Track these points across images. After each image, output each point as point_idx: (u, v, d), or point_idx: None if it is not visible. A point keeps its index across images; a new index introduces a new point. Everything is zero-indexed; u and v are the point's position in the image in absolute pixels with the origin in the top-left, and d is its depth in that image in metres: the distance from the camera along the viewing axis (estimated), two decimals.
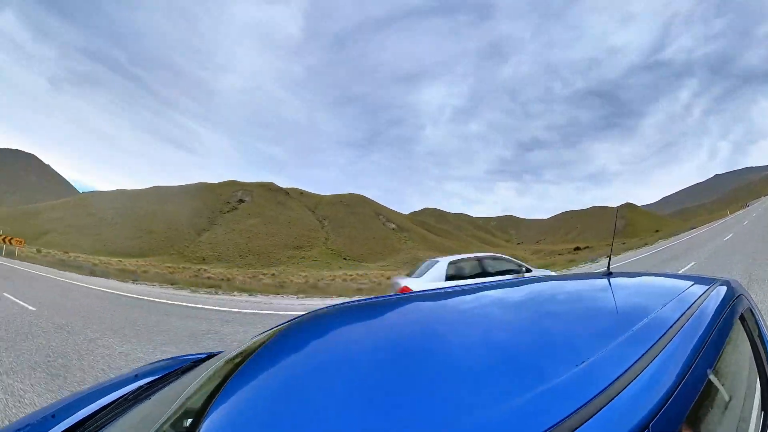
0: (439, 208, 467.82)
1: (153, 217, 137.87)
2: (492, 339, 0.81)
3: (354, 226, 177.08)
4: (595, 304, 1.08)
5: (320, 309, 1.42)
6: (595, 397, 0.49)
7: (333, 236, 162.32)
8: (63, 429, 1.08)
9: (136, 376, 1.50)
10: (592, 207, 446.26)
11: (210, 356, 1.49)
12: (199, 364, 1.35)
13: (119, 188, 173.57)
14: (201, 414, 0.73)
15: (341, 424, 0.58)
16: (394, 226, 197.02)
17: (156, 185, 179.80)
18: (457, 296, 1.29)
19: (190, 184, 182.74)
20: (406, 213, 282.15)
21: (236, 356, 1.07)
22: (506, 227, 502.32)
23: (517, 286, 1.42)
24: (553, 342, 0.74)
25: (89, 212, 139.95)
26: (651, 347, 0.61)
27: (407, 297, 1.40)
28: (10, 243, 35.45)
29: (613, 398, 0.49)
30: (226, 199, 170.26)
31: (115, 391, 1.33)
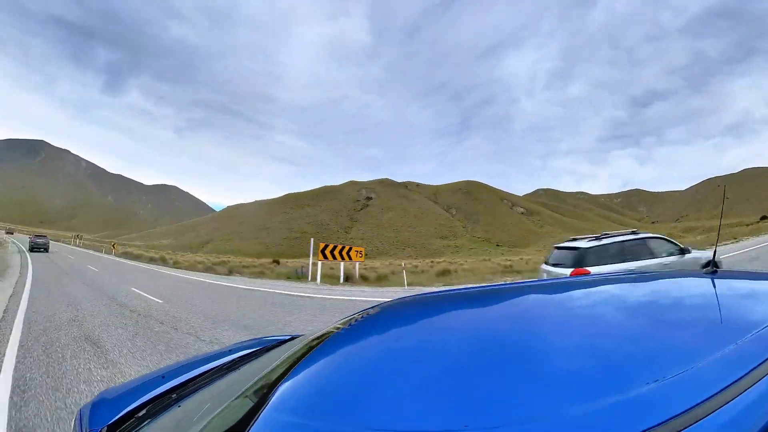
0: (551, 188, 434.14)
1: (300, 220, 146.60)
2: (595, 337, 0.78)
3: (484, 213, 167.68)
4: (706, 305, 1.01)
5: (410, 296, 1.47)
6: (699, 404, 0.46)
7: (469, 224, 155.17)
8: (168, 387, 1.26)
9: (230, 350, 1.67)
10: (745, 170, 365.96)
11: (293, 338, 1.62)
12: (283, 344, 1.48)
13: (256, 199, 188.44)
14: (275, 385, 0.81)
15: (419, 412, 0.57)
16: (522, 209, 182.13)
17: (288, 192, 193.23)
18: (569, 289, 1.29)
19: (318, 188, 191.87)
20: (520, 196, 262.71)
21: (318, 338, 1.13)
22: (634, 204, 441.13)
23: (633, 282, 1.37)
24: (656, 346, 0.70)
25: (239, 222, 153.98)
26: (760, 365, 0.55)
27: (514, 287, 1.41)
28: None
29: (713, 411, 0.45)
30: (354, 197, 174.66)
31: (213, 361, 1.49)
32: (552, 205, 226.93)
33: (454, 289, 1.48)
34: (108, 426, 1.09)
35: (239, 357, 1.53)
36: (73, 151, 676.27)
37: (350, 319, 1.23)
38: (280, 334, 2.00)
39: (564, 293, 1.24)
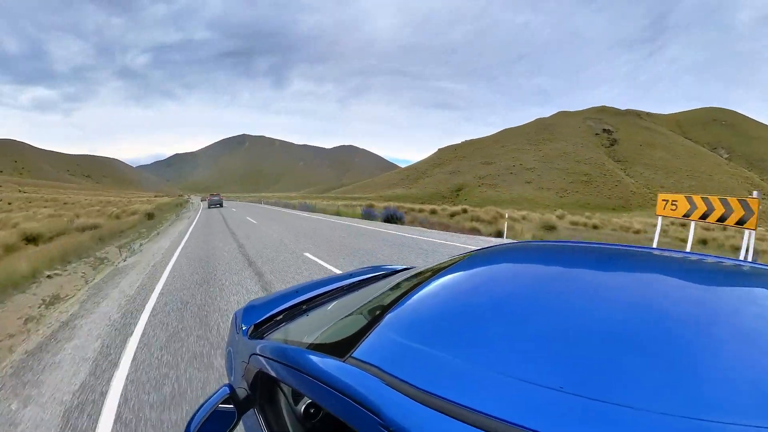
0: None
1: (558, 159, 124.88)
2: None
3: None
4: None
5: (533, 242, 1.43)
6: None
7: (755, 170, 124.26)
8: (301, 300, 1.54)
9: (351, 275, 1.93)
10: None
11: (406, 269, 1.72)
12: (397, 273, 1.59)
13: (465, 139, 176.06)
14: (387, 309, 0.88)
15: (513, 359, 0.57)
16: None
17: (503, 128, 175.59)
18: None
19: (530, 123, 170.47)
20: None
21: (427, 271, 1.15)
22: None
23: None
24: None
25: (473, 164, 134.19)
26: None
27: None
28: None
29: None
30: (585, 131, 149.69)
31: (338, 282, 1.74)
32: None
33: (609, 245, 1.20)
34: (254, 324, 1.39)
35: (359, 280, 1.74)
36: (267, 136, 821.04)
37: (467, 257, 1.18)
38: (395, 265, 2.18)
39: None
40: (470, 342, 0.65)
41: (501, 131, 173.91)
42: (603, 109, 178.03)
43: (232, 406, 1.00)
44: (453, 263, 1.13)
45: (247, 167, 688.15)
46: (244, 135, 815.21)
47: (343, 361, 0.73)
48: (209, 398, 0.98)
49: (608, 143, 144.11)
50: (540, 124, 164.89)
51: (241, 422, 1.03)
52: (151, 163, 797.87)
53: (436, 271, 1.08)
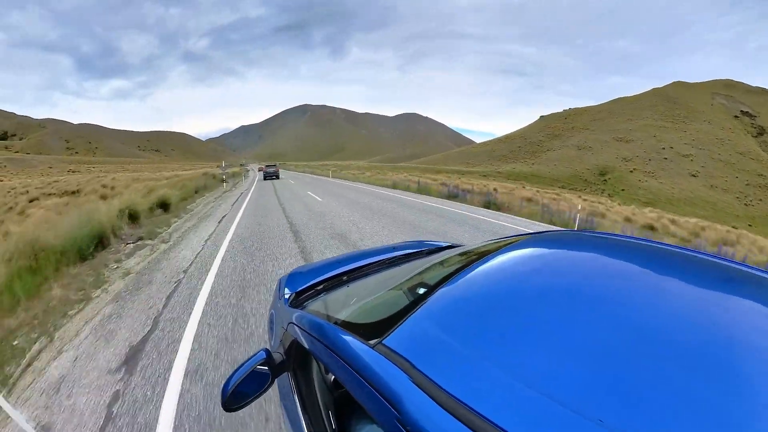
0: None
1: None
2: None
3: None
4: None
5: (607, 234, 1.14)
6: None
7: None
8: (342, 271, 1.59)
9: (394, 248, 1.92)
10: None
11: (450, 246, 1.68)
12: (441, 251, 1.57)
13: (541, 114, 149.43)
14: (428, 291, 0.85)
15: (552, 378, 0.51)
16: None
17: (618, 97, 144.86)
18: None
19: (645, 92, 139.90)
20: None
21: (472, 253, 1.10)
22: None
23: None
24: None
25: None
26: None
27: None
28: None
29: None
30: (728, 112, 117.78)
31: (380, 255, 1.77)
32: None
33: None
34: (296, 292, 1.48)
35: (402, 255, 1.73)
36: (329, 105, 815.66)
37: (521, 241, 1.06)
38: (439, 241, 2.12)
39: None
40: (513, 350, 0.59)
41: (613, 101, 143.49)
42: (731, 84, 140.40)
43: (267, 368, 1.04)
44: (503, 246, 1.03)
45: (310, 136, 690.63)
46: (305, 105, 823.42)
47: (374, 348, 0.71)
48: (247, 360, 1.03)
49: (755, 131, 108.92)
50: (660, 95, 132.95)
51: (275, 384, 1.10)
52: (219, 136, 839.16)
53: (483, 255, 0.99)
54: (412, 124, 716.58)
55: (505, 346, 0.60)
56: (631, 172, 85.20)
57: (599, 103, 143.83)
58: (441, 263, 1.14)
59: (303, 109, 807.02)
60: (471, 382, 0.54)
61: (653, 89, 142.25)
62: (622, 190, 71.80)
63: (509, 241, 1.09)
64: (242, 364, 1.03)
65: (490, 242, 1.17)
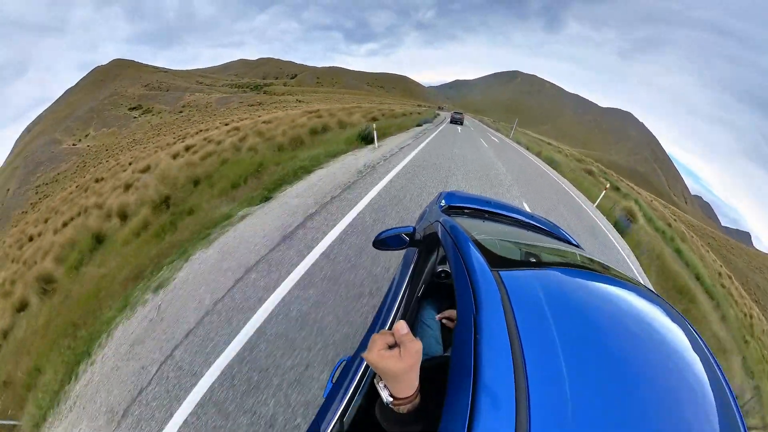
0: None
1: None
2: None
3: None
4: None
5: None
6: None
7: None
8: (486, 208, 2.01)
9: (532, 216, 2.24)
10: None
11: (578, 247, 1.76)
12: (568, 245, 1.65)
13: None
14: (538, 265, 0.98)
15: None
16: None
17: None
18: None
19: None
20: None
21: (595, 262, 1.18)
22: None
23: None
24: None
25: None
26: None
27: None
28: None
29: None
30: None
31: (518, 214, 2.09)
32: None
33: None
34: (449, 206, 1.91)
35: (535, 224, 2.03)
36: (539, 76, 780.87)
37: (638, 287, 0.99)
38: (570, 235, 2.28)
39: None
40: (577, 359, 0.60)
41: None
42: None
43: (408, 238, 1.55)
44: (620, 279, 0.98)
45: (514, 101, 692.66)
46: (516, 71, 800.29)
47: (489, 268, 0.79)
48: (401, 227, 1.57)
49: None
50: None
51: (406, 249, 1.63)
52: (438, 86, 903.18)
53: (601, 277, 0.97)
54: (623, 125, 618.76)
55: (573, 350, 0.61)
56: None
57: None
58: (563, 255, 1.23)
59: (513, 75, 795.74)
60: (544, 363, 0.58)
61: None
62: None
63: (629, 283, 0.99)
64: (396, 227, 1.42)
65: (615, 270, 1.10)
